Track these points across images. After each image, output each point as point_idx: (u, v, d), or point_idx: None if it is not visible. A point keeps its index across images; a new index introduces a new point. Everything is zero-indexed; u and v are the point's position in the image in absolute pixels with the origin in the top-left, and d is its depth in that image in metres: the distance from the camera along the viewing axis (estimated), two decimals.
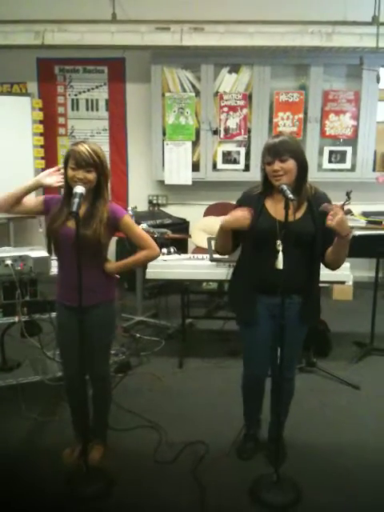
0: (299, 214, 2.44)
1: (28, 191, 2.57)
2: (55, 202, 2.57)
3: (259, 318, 2.55)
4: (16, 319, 3.12)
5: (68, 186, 2.49)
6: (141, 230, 2.71)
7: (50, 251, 2.64)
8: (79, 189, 2.35)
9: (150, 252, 2.64)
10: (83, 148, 2.42)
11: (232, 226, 2.43)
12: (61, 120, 5.90)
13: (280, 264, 2.35)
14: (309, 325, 2.64)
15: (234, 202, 2.62)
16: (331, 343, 4.13)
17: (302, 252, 2.45)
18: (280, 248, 2.36)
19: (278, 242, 2.37)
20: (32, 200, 2.62)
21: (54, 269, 2.77)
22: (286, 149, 2.37)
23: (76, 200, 2.29)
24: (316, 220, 2.44)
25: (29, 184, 2.58)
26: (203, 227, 5.27)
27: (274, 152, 2.37)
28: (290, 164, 2.38)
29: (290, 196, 2.26)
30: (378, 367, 3.94)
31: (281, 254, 2.36)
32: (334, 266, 2.52)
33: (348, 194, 5.30)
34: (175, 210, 5.88)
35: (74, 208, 2.26)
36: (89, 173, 2.42)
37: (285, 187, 2.30)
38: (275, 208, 2.47)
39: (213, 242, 3.89)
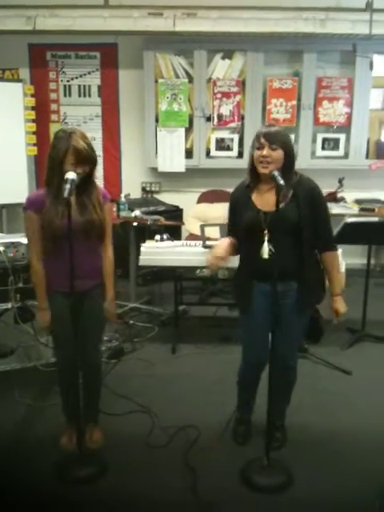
0: (283, 203, 2.46)
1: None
2: (40, 199, 2.51)
3: (256, 306, 2.58)
4: (9, 306, 3.13)
5: (60, 176, 2.44)
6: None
7: (46, 246, 2.57)
8: (71, 175, 2.35)
9: (111, 255, 2.71)
10: (81, 145, 2.42)
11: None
12: (53, 106, 5.86)
13: (265, 253, 2.43)
14: (306, 310, 2.64)
15: (228, 189, 2.67)
16: (323, 329, 4.16)
17: (292, 239, 2.47)
18: (265, 237, 2.43)
19: (265, 231, 2.44)
20: (34, 229, 2.54)
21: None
22: (279, 139, 2.42)
23: (68, 186, 2.29)
24: (301, 206, 2.46)
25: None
26: (196, 214, 5.28)
27: (267, 138, 2.40)
28: (279, 153, 2.42)
29: (281, 182, 2.29)
30: (370, 353, 3.98)
31: (266, 244, 2.43)
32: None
33: (340, 181, 5.33)
34: (169, 197, 5.87)
35: (66, 194, 2.26)
36: (87, 165, 2.46)
37: (276, 173, 2.34)
38: (261, 199, 2.52)
39: (206, 229, 3.91)
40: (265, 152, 2.40)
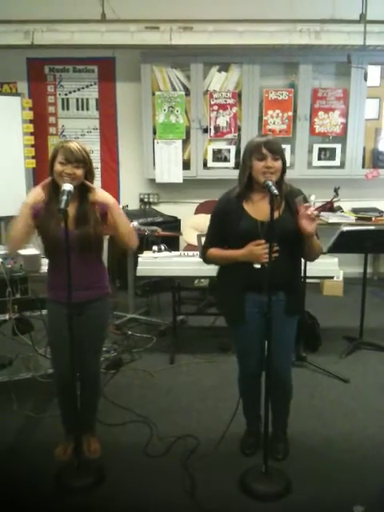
0: (279, 212, 2.47)
1: (25, 220, 2.51)
2: (39, 205, 2.55)
3: (248, 317, 2.57)
4: (7, 317, 3.14)
5: (54, 184, 2.50)
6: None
7: (48, 255, 2.65)
8: (67, 186, 2.37)
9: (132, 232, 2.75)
10: (73, 144, 2.46)
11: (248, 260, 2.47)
12: (51, 119, 5.91)
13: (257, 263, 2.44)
14: (295, 316, 2.64)
15: None
16: (321, 338, 4.16)
17: (285, 249, 2.46)
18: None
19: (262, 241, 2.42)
20: (26, 223, 2.53)
21: (45, 267, 2.79)
22: (279, 149, 2.44)
23: (64, 197, 2.31)
24: (294, 215, 2.47)
25: (22, 213, 2.51)
26: (194, 225, 5.29)
27: (270, 149, 2.40)
28: (280, 164, 2.45)
29: (275, 192, 2.30)
30: (368, 361, 3.99)
31: None
32: (310, 257, 2.63)
33: (336, 191, 5.35)
34: (167, 208, 5.90)
35: (62, 205, 2.28)
36: (77, 168, 2.45)
37: (270, 183, 2.35)
38: (254, 209, 2.51)
39: (203, 239, 3.92)
40: (269, 163, 2.40)
